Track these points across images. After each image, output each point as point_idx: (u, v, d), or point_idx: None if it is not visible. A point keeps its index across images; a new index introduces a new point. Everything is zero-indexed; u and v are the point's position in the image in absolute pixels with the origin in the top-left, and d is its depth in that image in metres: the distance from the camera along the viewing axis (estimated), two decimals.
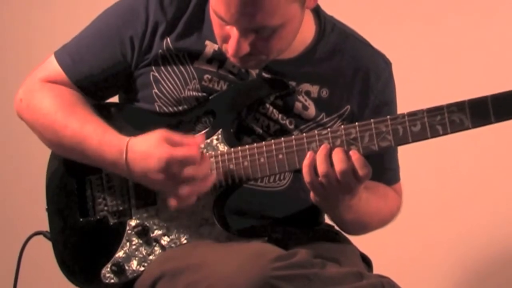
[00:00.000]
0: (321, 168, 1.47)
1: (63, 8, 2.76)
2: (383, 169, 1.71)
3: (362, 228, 1.72)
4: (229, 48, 1.52)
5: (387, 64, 1.74)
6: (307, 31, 1.66)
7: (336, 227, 1.77)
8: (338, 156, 1.46)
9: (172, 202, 1.53)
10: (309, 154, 1.49)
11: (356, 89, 1.70)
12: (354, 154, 1.46)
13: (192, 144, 1.52)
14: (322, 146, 1.48)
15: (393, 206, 1.75)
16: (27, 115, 1.69)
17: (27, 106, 1.68)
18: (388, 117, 1.48)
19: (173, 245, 1.61)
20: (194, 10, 1.65)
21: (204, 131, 1.62)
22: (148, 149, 1.51)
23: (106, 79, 1.68)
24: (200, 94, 1.64)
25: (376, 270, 1.73)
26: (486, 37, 2.42)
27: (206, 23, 1.64)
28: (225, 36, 1.54)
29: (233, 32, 1.51)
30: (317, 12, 1.69)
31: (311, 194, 1.54)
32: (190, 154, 1.50)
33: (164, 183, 1.52)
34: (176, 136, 1.53)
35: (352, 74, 1.69)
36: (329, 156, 1.47)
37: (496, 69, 2.38)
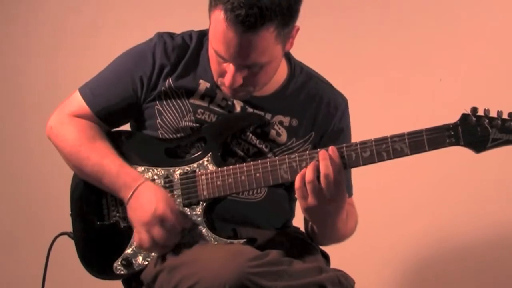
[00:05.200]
0: (308, 176, 1.60)
1: (84, 51, 2.96)
2: None
3: (337, 240, 1.85)
4: (226, 81, 1.66)
5: (343, 99, 1.93)
6: (281, 73, 1.84)
7: (302, 229, 1.94)
8: (324, 162, 1.60)
9: (140, 242, 1.70)
10: (302, 170, 1.62)
11: (318, 118, 1.86)
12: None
13: (181, 221, 1.69)
14: (312, 162, 1.62)
15: (356, 221, 1.89)
16: (56, 141, 1.84)
17: (56, 135, 1.84)
18: (344, 145, 1.65)
19: None
20: (191, 56, 1.82)
21: (197, 154, 1.76)
22: (153, 198, 1.69)
23: (120, 110, 1.83)
24: (194, 124, 1.79)
25: (333, 263, 1.89)
26: (423, 80, 2.61)
27: (200, 65, 1.82)
28: (222, 72, 1.68)
29: (230, 68, 1.65)
30: (289, 57, 1.88)
31: (301, 206, 1.65)
32: (175, 226, 1.67)
33: (143, 226, 1.69)
34: (178, 209, 1.71)
35: (316, 107, 1.86)
36: (316, 169, 1.60)
37: (432, 106, 2.57)
